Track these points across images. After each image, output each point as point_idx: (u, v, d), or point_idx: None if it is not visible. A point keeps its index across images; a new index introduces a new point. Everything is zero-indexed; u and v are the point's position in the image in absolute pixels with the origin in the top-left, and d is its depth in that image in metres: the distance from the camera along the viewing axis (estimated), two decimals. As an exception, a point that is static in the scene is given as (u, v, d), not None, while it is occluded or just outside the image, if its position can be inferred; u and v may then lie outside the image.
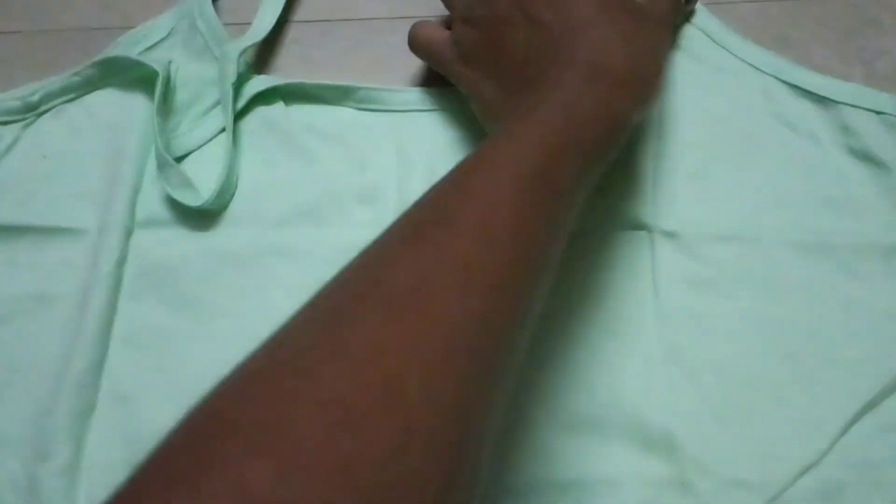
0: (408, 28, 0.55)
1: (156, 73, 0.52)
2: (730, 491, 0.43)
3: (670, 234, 0.48)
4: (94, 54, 0.55)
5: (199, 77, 0.53)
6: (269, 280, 0.49)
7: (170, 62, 0.53)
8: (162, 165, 0.50)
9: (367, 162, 0.51)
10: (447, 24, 0.51)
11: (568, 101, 0.38)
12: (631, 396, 0.45)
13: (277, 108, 0.52)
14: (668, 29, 0.46)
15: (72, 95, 0.54)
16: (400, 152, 0.51)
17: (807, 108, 0.50)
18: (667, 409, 0.44)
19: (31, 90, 0.54)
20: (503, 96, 0.43)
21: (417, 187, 0.49)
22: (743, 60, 0.52)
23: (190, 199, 0.50)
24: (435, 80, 0.54)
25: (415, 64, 0.55)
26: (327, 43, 0.57)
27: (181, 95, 0.53)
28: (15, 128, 0.54)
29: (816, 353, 0.45)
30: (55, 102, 0.54)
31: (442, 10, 0.53)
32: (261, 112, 0.53)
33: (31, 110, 0.54)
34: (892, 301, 0.46)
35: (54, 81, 0.54)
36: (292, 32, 0.57)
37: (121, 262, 0.49)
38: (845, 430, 0.43)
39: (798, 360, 0.45)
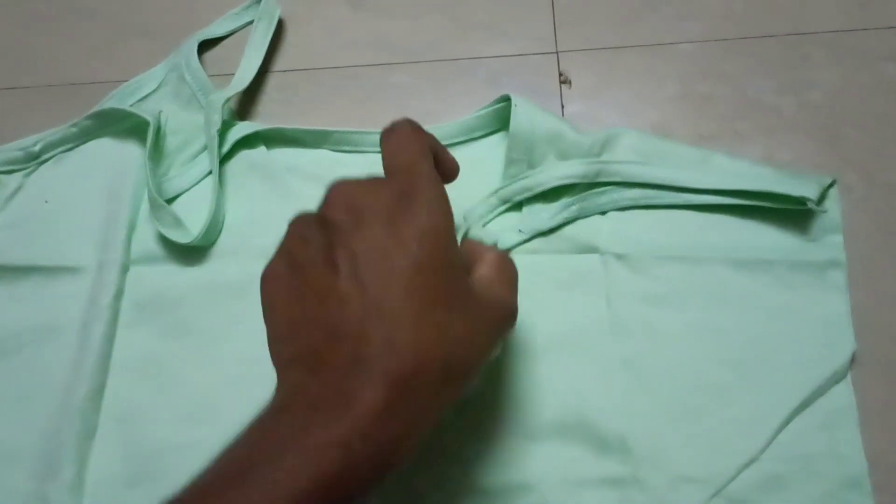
0: (380, 75, 0.60)
1: (147, 123, 0.56)
2: (680, 485, 0.46)
3: (620, 256, 0.52)
4: (90, 106, 0.60)
5: (188, 124, 0.58)
6: (257, 306, 0.53)
7: (160, 112, 0.58)
8: (154, 207, 0.55)
9: None
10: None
11: (366, 433, 0.32)
12: (589, 403, 0.49)
13: (260, 152, 0.57)
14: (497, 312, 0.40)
15: (70, 145, 0.59)
16: None
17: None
18: (622, 414, 0.48)
19: (33, 141, 0.59)
20: (303, 354, 0.36)
21: None
22: None
23: (180, 237, 0.54)
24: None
25: (387, 107, 0.60)
26: (305, 90, 0.62)
27: (171, 142, 0.58)
28: (18, 176, 0.58)
29: (757, 358, 0.49)
30: (55, 151, 0.59)
31: (404, 57, 0.58)
32: (244, 155, 0.57)
33: (33, 159, 0.58)
34: (823, 310, 0.50)
35: (54, 132, 0.59)
36: (273, 81, 0.62)
37: (118, 295, 0.54)
38: (783, 427, 0.47)
39: (740, 365, 0.49)
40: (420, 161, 0.39)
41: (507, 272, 0.41)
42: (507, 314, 0.40)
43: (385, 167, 0.39)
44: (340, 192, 0.38)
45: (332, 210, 0.38)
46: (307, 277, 0.36)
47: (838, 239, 0.51)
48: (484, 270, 0.40)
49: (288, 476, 0.31)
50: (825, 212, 0.51)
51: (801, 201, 0.50)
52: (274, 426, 0.33)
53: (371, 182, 0.38)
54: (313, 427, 0.32)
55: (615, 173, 0.52)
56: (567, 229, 0.53)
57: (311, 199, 0.55)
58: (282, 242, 0.39)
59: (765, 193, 0.51)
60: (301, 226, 0.39)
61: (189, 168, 0.57)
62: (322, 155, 0.57)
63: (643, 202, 0.53)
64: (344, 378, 0.33)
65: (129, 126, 0.59)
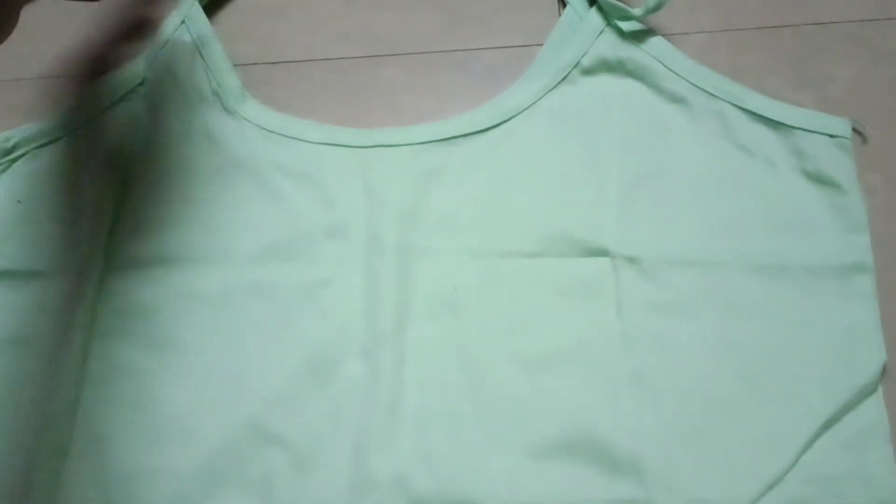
0: (371, 68, 0.57)
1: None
2: None
3: (632, 260, 0.49)
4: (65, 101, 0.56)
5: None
6: (240, 317, 0.49)
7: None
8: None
9: (335, 199, 0.52)
10: None
11: None
12: (598, 420, 0.45)
13: (247, 149, 0.53)
14: None
15: (45, 140, 0.55)
16: (367, 188, 0.52)
17: (762, 132, 0.52)
18: (632, 432, 0.45)
19: (6, 136, 0.55)
20: None
21: (387, 222, 0.50)
22: (698, 87, 0.53)
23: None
24: (396, 120, 0.55)
25: (379, 102, 0.57)
26: (293, 83, 0.58)
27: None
28: (-11, 175, 0.55)
29: (776, 372, 0.46)
30: (29, 147, 0.55)
31: (405, 49, 0.55)
32: (230, 151, 0.54)
33: (6, 155, 0.55)
34: (847, 320, 0.47)
35: (29, 127, 0.55)
36: (260, 74, 0.58)
37: (94, 303, 0.50)
38: (806, 447, 0.44)
39: (758, 379, 0.46)
40: None
41: None
42: None
43: None
44: None
45: None
46: None
47: (864, 240, 0.48)
48: None
49: None
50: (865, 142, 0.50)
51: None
52: None
53: None
54: None
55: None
56: (577, 228, 0.49)
57: (301, 199, 0.52)
58: None
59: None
60: None
61: None
62: (313, 150, 0.53)
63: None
64: None
65: (110, 114, 0.56)
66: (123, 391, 0.48)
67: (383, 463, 0.45)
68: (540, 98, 0.53)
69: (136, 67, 0.57)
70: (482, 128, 0.53)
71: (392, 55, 0.59)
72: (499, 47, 0.58)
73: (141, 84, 0.57)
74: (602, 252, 0.49)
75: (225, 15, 0.61)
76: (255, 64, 0.59)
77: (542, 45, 0.57)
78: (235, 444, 0.46)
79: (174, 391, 0.48)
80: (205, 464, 0.46)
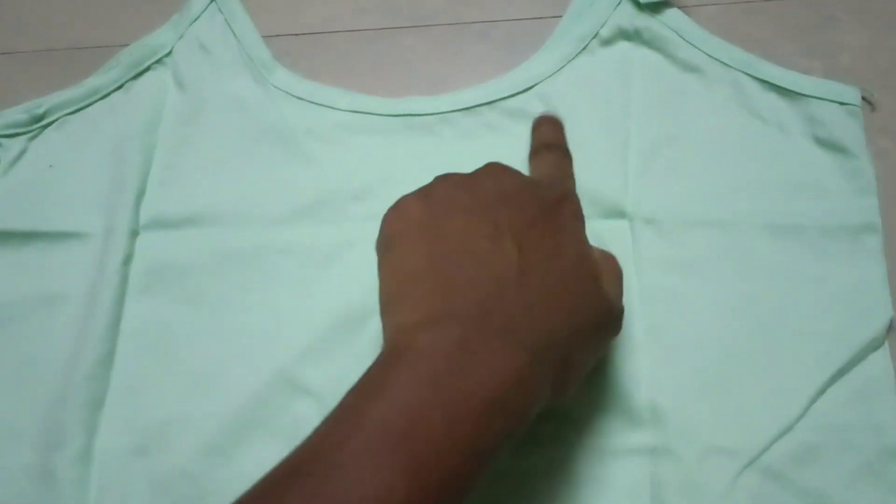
0: (390, 39, 0.58)
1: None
2: (711, 456, 0.45)
3: (649, 221, 0.51)
4: (91, 71, 0.58)
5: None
6: (271, 275, 0.51)
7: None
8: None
9: (362, 164, 0.54)
10: None
11: (504, 397, 0.33)
12: (617, 373, 0.47)
13: (277, 115, 0.55)
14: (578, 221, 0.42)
15: (75, 107, 0.57)
16: (393, 154, 0.54)
17: (774, 100, 0.53)
18: (650, 383, 0.47)
19: (37, 103, 0.57)
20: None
21: (412, 185, 0.52)
22: (713, 57, 0.55)
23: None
24: (416, 89, 0.57)
25: (399, 72, 0.58)
26: (315, 54, 0.60)
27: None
28: (21, 140, 0.56)
29: (789, 327, 0.48)
30: (59, 114, 0.57)
31: (425, 21, 0.56)
32: (261, 118, 0.55)
33: (37, 122, 0.56)
34: (858, 277, 0.49)
35: (59, 94, 0.57)
36: (281, 44, 0.60)
37: (127, 261, 0.52)
38: (817, 397, 0.46)
39: (772, 334, 0.48)
40: (570, 182, 0.47)
41: (619, 275, 0.43)
42: (619, 317, 0.42)
43: (537, 162, 0.48)
44: (504, 174, 0.41)
45: (498, 178, 0.41)
46: (457, 222, 0.38)
47: (873, 202, 0.50)
48: (603, 276, 0.40)
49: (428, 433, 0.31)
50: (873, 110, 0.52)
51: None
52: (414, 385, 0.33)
53: (534, 181, 0.42)
54: (454, 386, 0.32)
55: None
56: (596, 191, 0.51)
57: (331, 164, 0.54)
58: (428, 185, 0.41)
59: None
60: (455, 179, 0.41)
61: None
62: (343, 117, 0.55)
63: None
64: (481, 331, 0.34)
65: (138, 82, 0.57)
66: (157, 345, 0.50)
67: None
68: (561, 67, 0.55)
69: (163, 37, 0.59)
70: (505, 95, 0.55)
71: (412, 27, 0.60)
72: (517, 19, 0.60)
73: (168, 54, 0.58)
74: (620, 213, 0.51)
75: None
76: (277, 35, 0.60)
77: (559, 16, 0.58)
78: (266, 395, 0.48)
79: (207, 345, 0.50)
80: (236, 413, 0.47)
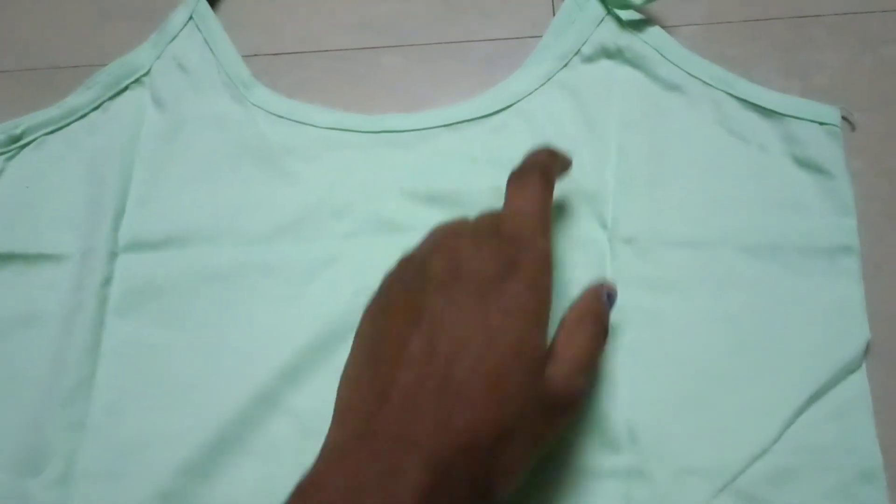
0: (371, 58, 0.58)
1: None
2: (685, 478, 0.45)
3: (628, 240, 0.51)
4: (71, 90, 0.58)
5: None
6: (251, 294, 0.51)
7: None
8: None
9: (342, 181, 0.54)
10: None
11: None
12: (594, 392, 0.47)
13: (256, 134, 0.55)
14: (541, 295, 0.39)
15: (53, 127, 0.57)
16: (374, 171, 0.54)
17: (755, 119, 0.54)
18: (628, 403, 0.47)
19: (14, 123, 0.56)
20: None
21: (392, 202, 0.53)
22: (694, 76, 0.55)
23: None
24: (397, 107, 0.57)
25: (378, 91, 0.59)
26: (294, 73, 0.60)
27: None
28: (-1, 160, 0.56)
29: (766, 346, 0.48)
30: (37, 134, 0.57)
31: (404, 40, 0.56)
32: (240, 136, 0.55)
33: (14, 142, 0.56)
34: (835, 297, 0.49)
35: (37, 114, 0.57)
36: (259, 64, 0.60)
37: (106, 282, 0.52)
38: (794, 417, 0.46)
39: (749, 353, 0.48)
40: (538, 236, 0.40)
41: (591, 365, 0.41)
42: (570, 410, 0.40)
43: (502, 220, 0.41)
44: (446, 241, 0.40)
45: (431, 258, 0.39)
46: (390, 322, 0.38)
47: (851, 223, 0.50)
48: (564, 364, 0.39)
49: None
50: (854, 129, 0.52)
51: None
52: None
53: (479, 241, 0.39)
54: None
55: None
56: (575, 206, 0.52)
57: (310, 181, 0.54)
58: (383, 279, 0.41)
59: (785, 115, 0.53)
60: (402, 267, 0.41)
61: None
62: (322, 135, 0.55)
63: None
64: (391, 452, 0.33)
65: (116, 101, 0.57)
66: (138, 366, 0.50)
67: None
68: (542, 84, 0.55)
69: (141, 56, 0.59)
70: (486, 112, 0.55)
71: (391, 46, 0.60)
72: (496, 39, 0.60)
73: (146, 73, 0.58)
74: (600, 230, 0.51)
75: (225, 6, 0.62)
76: (255, 55, 0.60)
77: (539, 36, 0.58)
78: (246, 414, 0.47)
79: (187, 365, 0.50)
80: (216, 432, 0.47)
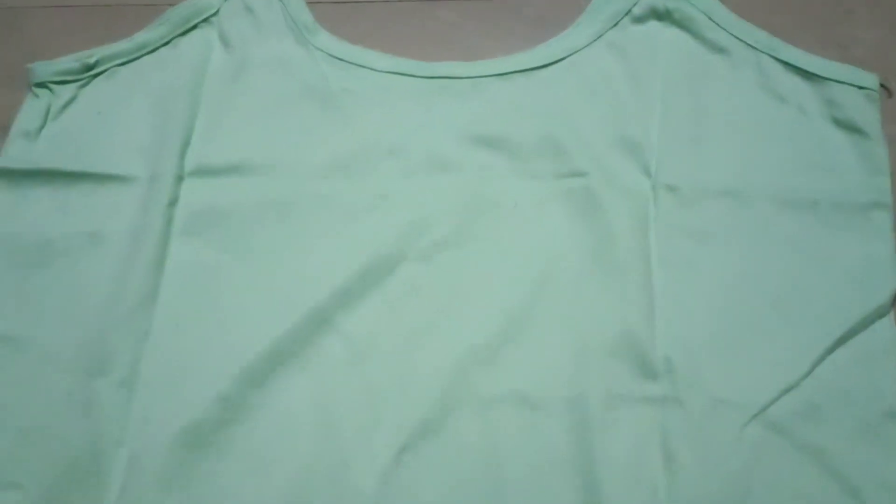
0: (426, 10, 0.61)
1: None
2: (719, 408, 0.48)
3: (671, 188, 0.53)
4: (136, 28, 0.61)
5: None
6: (307, 222, 0.54)
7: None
8: None
9: (398, 122, 0.57)
10: None
11: None
12: (636, 327, 0.50)
13: (318, 75, 0.58)
14: None
15: (124, 59, 0.60)
16: (429, 114, 0.57)
17: (796, 82, 0.56)
18: (666, 339, 0.49)
19: (89, 53, 0.59)
20: None
21: (447, 144, 0.55)
22: (739, 39, 0.57)
23: None
24: (451, 59, 0.60)
25: (434, 43, 0.61)
26: (355, 22, 0.62)
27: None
28: (72, 87, 0.59)
29: (799, 293, 0.50)
30: (109, 65, 0.60)
31: None
32: (302, 77, 0.58)
33: (88, 71, 0.59)
34: (866, 249, 0.51)
35: (109, 47, 0.60)
36: (323, 11, 0.62)
37: (172, 203, 0.54)
38: (822, 359, 0.48)
39: (782, 299, 0.50)
40: None
41: None
42: None
43: None
44: None
45: None
46: None
47: (885, 181, 0.53)
48: None
49: None
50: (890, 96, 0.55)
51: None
52: None
53: None
54: None
55: None
56: (621, 159, 0.54)
57: (367, 121, 0.57)
58: None
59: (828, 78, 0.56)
60: None
61: None
62: (380, 78, 0.58)
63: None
64: None
65: (185, 38, 0.60)
66: (200, 284, 0.53)
67: (432, 356, 0.50)
68: (592, 41, 0.58)
69: None
70: (538, 65, 0.58)
71: (448, 0, 0.63)
72: (548, -2, 0.63)
73: (215, 14, 0.61)
74: (643, 178, 0.54)
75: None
76: (318, 2, 0.63)
77: (590, -3, 0.61)
78: (299, 331, 0.50)
79: (246, 285, 0.52)
80: (271, 346, 0.50)
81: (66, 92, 0.59)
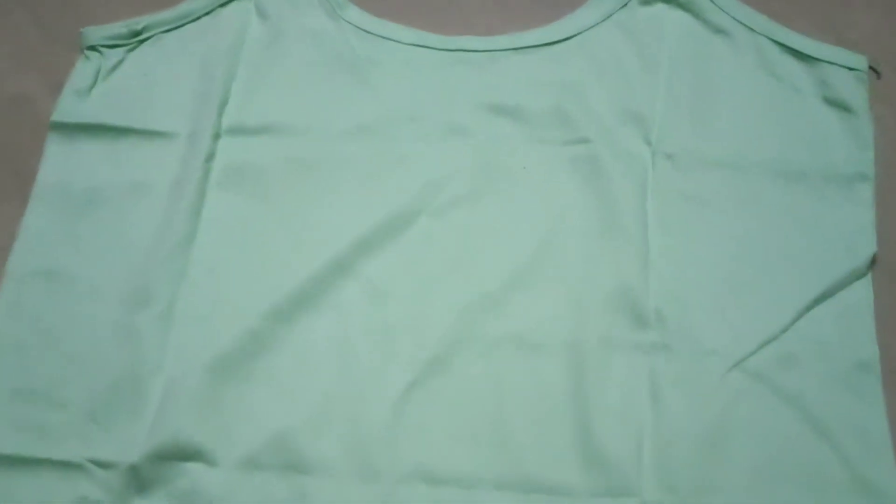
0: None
1: None
2: (705, 356, 0.52)
3: (669, 156, 0.58)
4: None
5: None
6: (333, 180, 0.59)
7: None
8: None
9: (419, 90, 0.61)
10: None
11: None
12: (632, 282, 0.54)
13: (347, 46, 0.63)
14: None
15: (169, 27, 0.65)
16: (449, 84, 0.61)
17: (791, 63, 0.60)
18: (658, 295, 0.54)
19: (136, 20, 0.64)
20: None
21: (464, 111, 0.60)
22: (740, 22, 0.62)
23: None
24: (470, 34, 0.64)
25: (454, 20, 0.66)
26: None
27: None
28: (120, 51, 0.64)
29: (784, 256, 0.55)
30: (155, 31, 0.65)
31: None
32: (332, 48, 0.63)
33: (135, 36, 0.64)
34: (849, 217, 0.56)
35: (155, 15, 0.65)
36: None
37: (209, 158, 0.59)
38: (803, 312, 0.53)
39: (768, 260, 0.54)
40: None
41: None
42: None
43: None
44: None
45: None
46: None
47: (869, 155, 0.57)
48: None
49: None
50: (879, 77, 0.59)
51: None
52: None
53: None
54: None
55: None
56: (624, 126, 0.59)
57: (391, 90, 0.61)
58: None
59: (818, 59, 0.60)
60: None
61: None
62: (404, 50, 0.63)
63: None
64: None
65: (225, 9, 0.65)
66: (233, 231, 0.57)
67: (443, 301, 0.54)
68: (602, 20, 0.63)
69: None
70: (551, 41, 0.62)
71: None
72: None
73: None
74: (644, 146, 0.58)
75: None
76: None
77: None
78: (324, 277, 0.55)
79: (275, 234, 0.57)
80: (298, 289, 0.54)
81: (115, 55, 0.64)
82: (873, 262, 0.54)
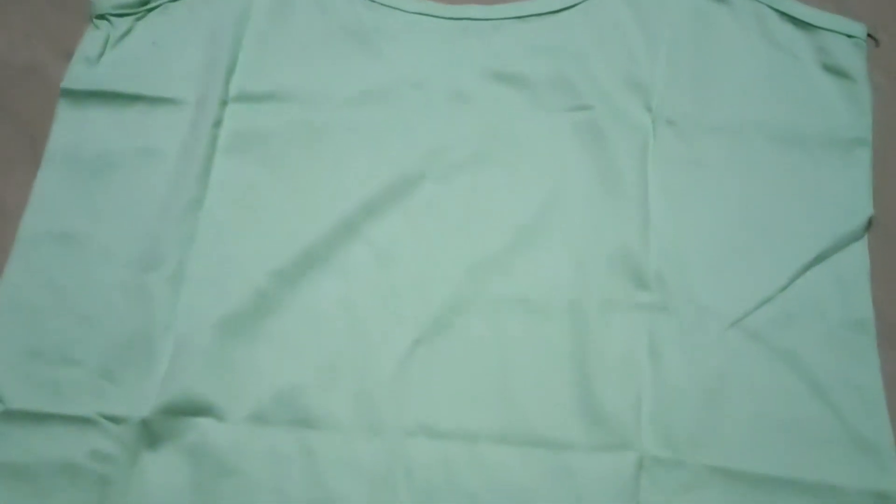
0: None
1: None
2: (704, 315, 0.53)
3: (670, 122, 0.59)
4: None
5: None
6: (339, 145, 0.60)
7: None
8: None
9: (423, 58, 0.62)
10: None
11: None
12: (633, 243, 0.55)
13: (353, 15, 0.64)
14: None
15: None
16: (452, 52, 0.62)
17: (791, 31, 0.61)
18: (659, 256, 0.55)
19: (146, -11, 0.65)
20: None
21: (467, 79, 0.61)
22: None
23: None
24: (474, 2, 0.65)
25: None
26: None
27: None
28: (129, 20, 0.65)
29: (783, 219, 0.56)
30: (163, 0, 0.65)
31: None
32: (338, 17, 0.64)
33: (143, 5, 0.65)
34: (846, 181, 0.57)
35: (165, -17, 0.66)
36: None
37: (217, 124, 0.60)
38: (800, 273, 0.54)
39: (767, 223, 0.56)
40: None
41: None
42: None
43: None
44: None
45: None
46: None
47: (867, 121, 0.58)
48: None
49: None
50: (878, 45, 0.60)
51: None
52: None
53: None
54: None
55: None
56: (625, 92, 0.60)
57: (395, 57, 0.62)
58: None
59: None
60: None
61: None
62: (409, 19, 0.64)
63: None
64: None
65: None
66: (240, 195, 0.58)
67: (447, 263, 0.55)
68: None
69: None
70: (554, 9, 0.63)
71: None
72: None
73: None
74: (645, 113, 0.59)
75: None
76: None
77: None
78: (330, 239, 0.56)
79: (281, 198, 0.58)
80: (304, 250, 0.56)
81: (123, 24, 0.65)
82: (869, 224, 0.55)
